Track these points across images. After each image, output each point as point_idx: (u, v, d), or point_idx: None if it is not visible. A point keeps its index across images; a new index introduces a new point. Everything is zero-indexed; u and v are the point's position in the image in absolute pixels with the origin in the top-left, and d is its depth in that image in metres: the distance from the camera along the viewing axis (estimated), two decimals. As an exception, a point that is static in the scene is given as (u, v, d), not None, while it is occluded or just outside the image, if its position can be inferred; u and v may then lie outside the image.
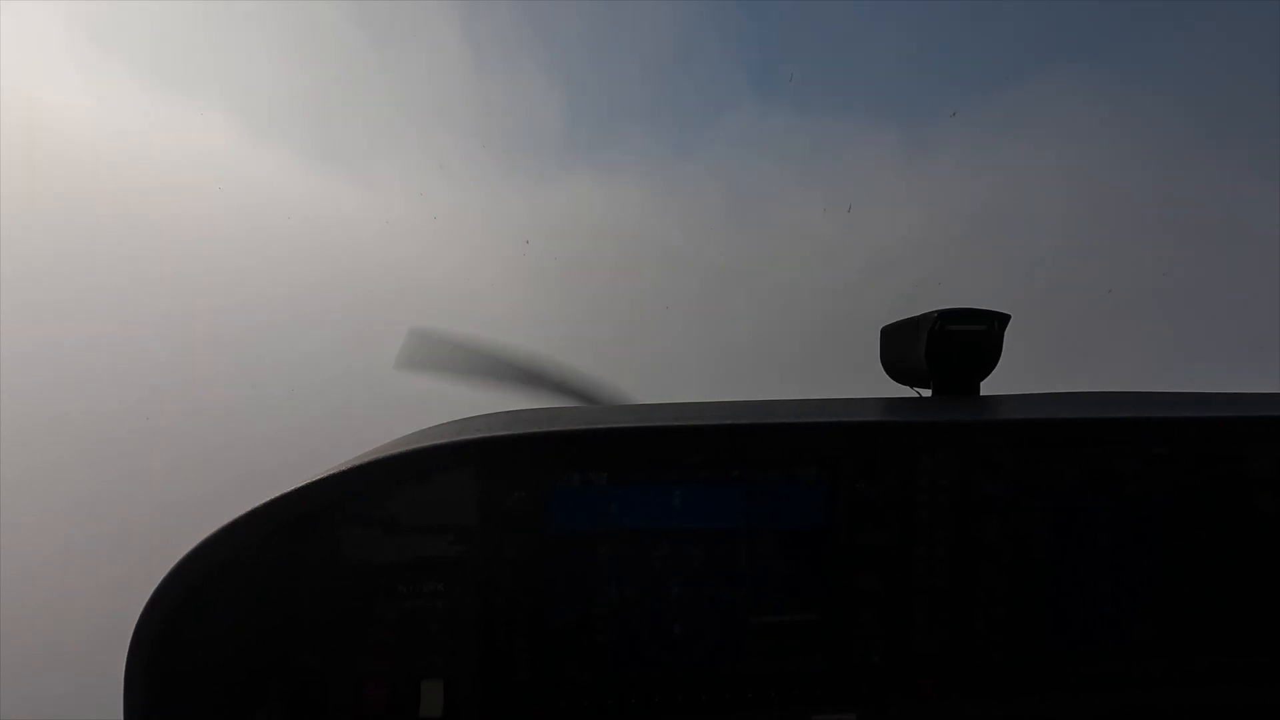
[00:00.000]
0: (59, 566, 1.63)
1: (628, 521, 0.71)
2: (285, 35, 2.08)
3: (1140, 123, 2.11)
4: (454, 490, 0.69)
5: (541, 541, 0.70)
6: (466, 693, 0.69)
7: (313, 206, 2.05)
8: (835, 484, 0.72)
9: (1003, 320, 0.91)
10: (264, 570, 0.67)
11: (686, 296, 2.13)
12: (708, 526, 0.72)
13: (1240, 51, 2.05)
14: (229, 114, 2.00)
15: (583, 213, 2.15)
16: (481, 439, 0.69)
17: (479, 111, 2.21)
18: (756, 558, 0.72)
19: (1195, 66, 2.10)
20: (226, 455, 1.77)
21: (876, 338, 1.03)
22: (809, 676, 0.72)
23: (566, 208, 2.14)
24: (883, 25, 2.29)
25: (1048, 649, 0.74)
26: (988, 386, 0.95)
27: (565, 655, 0.70)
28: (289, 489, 0.67)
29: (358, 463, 0.69)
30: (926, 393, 0.97)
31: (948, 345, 0.90)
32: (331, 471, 0.68)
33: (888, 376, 1.02)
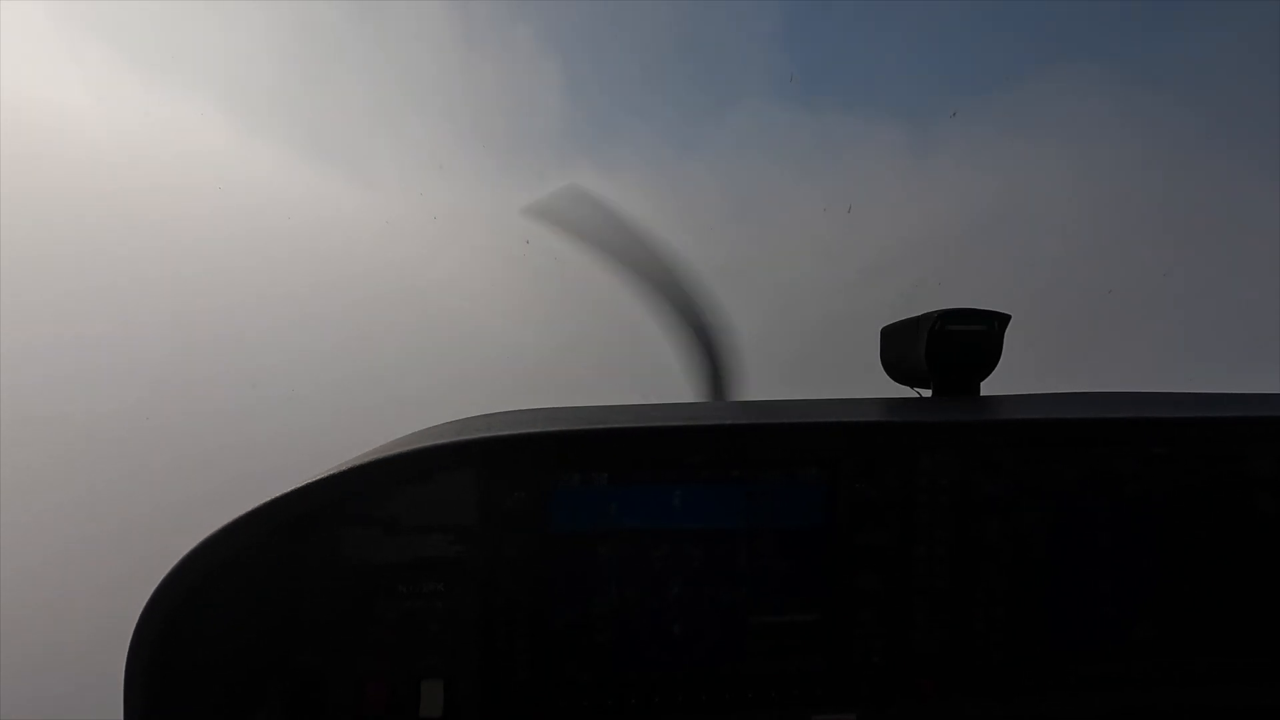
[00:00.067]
0: (59, 566, 1.63)
1: (628, 521, 0.71)
2: (286, 35, 2.08)
3: (1141, 123, 2.11)
4: (454, 490, 0.69)
5: (541, 541, 0.70)
6: (466, 693, 0.69)
7: (313, 207, 2.06)
8: (835, 484, 0.72)
9: (1003, 320, 0.91)
10: (264, 570, 0.67)
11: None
12: (708, 526, 0.72)
13: (1242, 52, 2.05)
14: (229, 114, 2.00)
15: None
16: (481, 439, 0.69)
17: (479, 111, 2.21)
18: (756, 558, 0.72)
19: (1196, 67, 2.10)
20: (226, 455, 1.77)
21: (876, 338, 1.03)
22: (809, 676, 0.72)
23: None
24: (885, 24, 2.29)
25: (1048, 649, 0.74)
26: (988, 386, 0.95)
27: (565, 655, 0.70)
28: (289, 489, 0.67)
29: (358, 463, 0.69)
30: (926, 393, 0.97)
31: (948, 345, 0.90)
32: (331, 471, 0.68)
33: (888, 376, 1.02)
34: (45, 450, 1.71)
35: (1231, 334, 1.97)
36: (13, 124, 1.73)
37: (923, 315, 0.92)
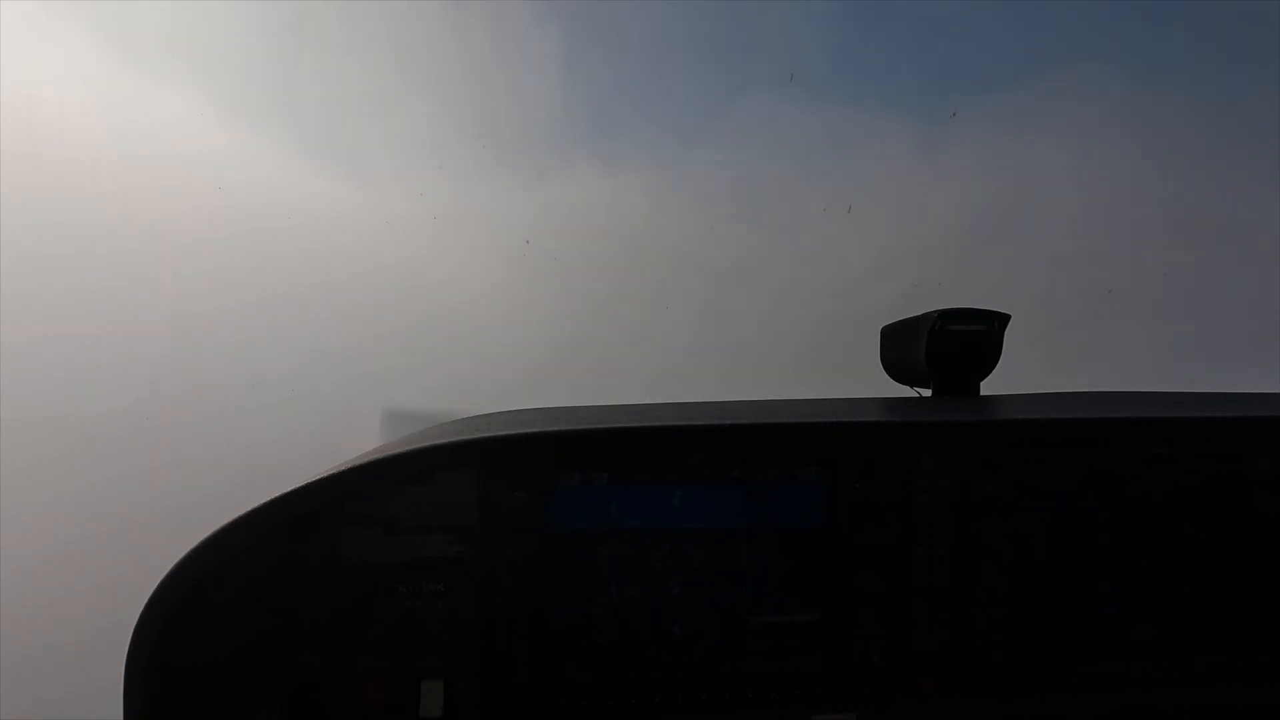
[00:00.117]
0: (59, 566, 1.63)
1: (628, 521, 0.71)
2: (286, 35, 2.08)
3: (1143, 123, 2.11)
4: (454, 490, 0.69)
5: (541, 541, 0.70)
6: (466, 693, 0.69)
7: (313, 207, 2.05)
8: (835, 484, 0.72)
9: (1003, 320, 0.91)
10: (264, 570, 0.67)
11: (687, 296, 2.13)
12: (708, 526, 0.72)
13: (1244, 52, 2.05)
14: (229, 113, 2.00)
15: (584, 212, 2.15)
16: (481, 439, 0.69)
17: (480, 110, 2.21)
18: (756, 558, 0.72)
19: (1198, 67, 2.10)
20: (226, 455, 1.77)
21: (876, 338, 1.03)
22: (809, 676, 0.72)
23: (568, 207, 2.14)
24: (885, 24, 2.28)
25: (1048, 649, 0.74)
26: (988, 386, 0.96)
27: (565, 655, 0.70)
28: (289, 489, 0.67)
29: (358, 463, 0.69)
30: (926, 393, 0.97)
31: (948, 345, 0.90)
32: (331, 471, 0.69)
33: (888, 376, 1.02)
34: (45, 450, 1.71)
35: (1231, 334, 1.97)
36: (12, 124, 1.73)
37: (923, 315, 0.92)
